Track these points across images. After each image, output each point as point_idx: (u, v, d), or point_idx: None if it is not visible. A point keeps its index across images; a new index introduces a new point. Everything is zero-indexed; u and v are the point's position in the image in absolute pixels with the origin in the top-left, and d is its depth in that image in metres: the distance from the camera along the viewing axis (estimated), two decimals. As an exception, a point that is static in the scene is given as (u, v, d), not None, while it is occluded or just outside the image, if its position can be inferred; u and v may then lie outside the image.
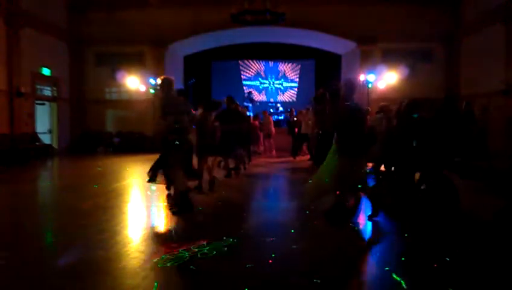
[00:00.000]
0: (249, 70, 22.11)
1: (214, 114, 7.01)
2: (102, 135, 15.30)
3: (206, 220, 4.91)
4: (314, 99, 7.05)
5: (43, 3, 13.14)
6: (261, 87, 22.17)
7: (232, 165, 8.41)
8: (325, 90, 6.44)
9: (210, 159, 6.89)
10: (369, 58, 14.92)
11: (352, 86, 4.84)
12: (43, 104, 13.76)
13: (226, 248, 3.69)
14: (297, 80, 22.07)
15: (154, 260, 3.37)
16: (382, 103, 8.74)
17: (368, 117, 9.29)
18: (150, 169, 5.40)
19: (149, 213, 5.28)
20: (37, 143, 12.64)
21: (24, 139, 11.87)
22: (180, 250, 3.59)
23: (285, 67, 22.15)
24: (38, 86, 13.31)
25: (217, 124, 7.00)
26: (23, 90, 11.85)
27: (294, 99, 21.86)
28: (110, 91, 15.62)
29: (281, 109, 20.79)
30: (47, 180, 9.58)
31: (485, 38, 12.66)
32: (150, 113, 14.83)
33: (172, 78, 5.36)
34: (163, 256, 3.46)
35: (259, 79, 22.17)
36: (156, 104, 5.77)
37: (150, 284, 2.93)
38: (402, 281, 2.92)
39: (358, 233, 4.42)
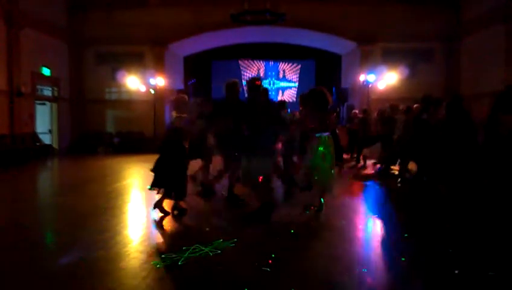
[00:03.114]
0: (249, 70, 22.10)
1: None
2: (102, 135, 15.28)
3: (207, 219, 4.91)
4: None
5: (43, 3, 13.13)
6: (260, 87, 22.17)
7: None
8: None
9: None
10: (369, 58, 14.89)
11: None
12: (43, 104, 13.75)
13: (226, 248, 3.69)
14: (297, 80, 22.07)
15: (154, 260, 3.37)
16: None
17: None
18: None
19: (149, 213, 5.28)
20: (37, 143, 12.63)
21: (24, 139, 11.86)
22: (180, 250, 3.59)
23: (285, 67, 22.15)
24: (38, 86, 13.30)
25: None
26: (23, 90, 11.83)
27: (294, 99, 21.86)
28: (110, 91, 15.60)
29: (281, 109, 20.71)
30: (47, 180, 9.59)
31: (485, 38, 12.65)
32: (150, 113, 14.86)
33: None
34: (163, 256, 3.47)
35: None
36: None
37: (150, 284, 2.94)
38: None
39: (359, 232, 4.44)
